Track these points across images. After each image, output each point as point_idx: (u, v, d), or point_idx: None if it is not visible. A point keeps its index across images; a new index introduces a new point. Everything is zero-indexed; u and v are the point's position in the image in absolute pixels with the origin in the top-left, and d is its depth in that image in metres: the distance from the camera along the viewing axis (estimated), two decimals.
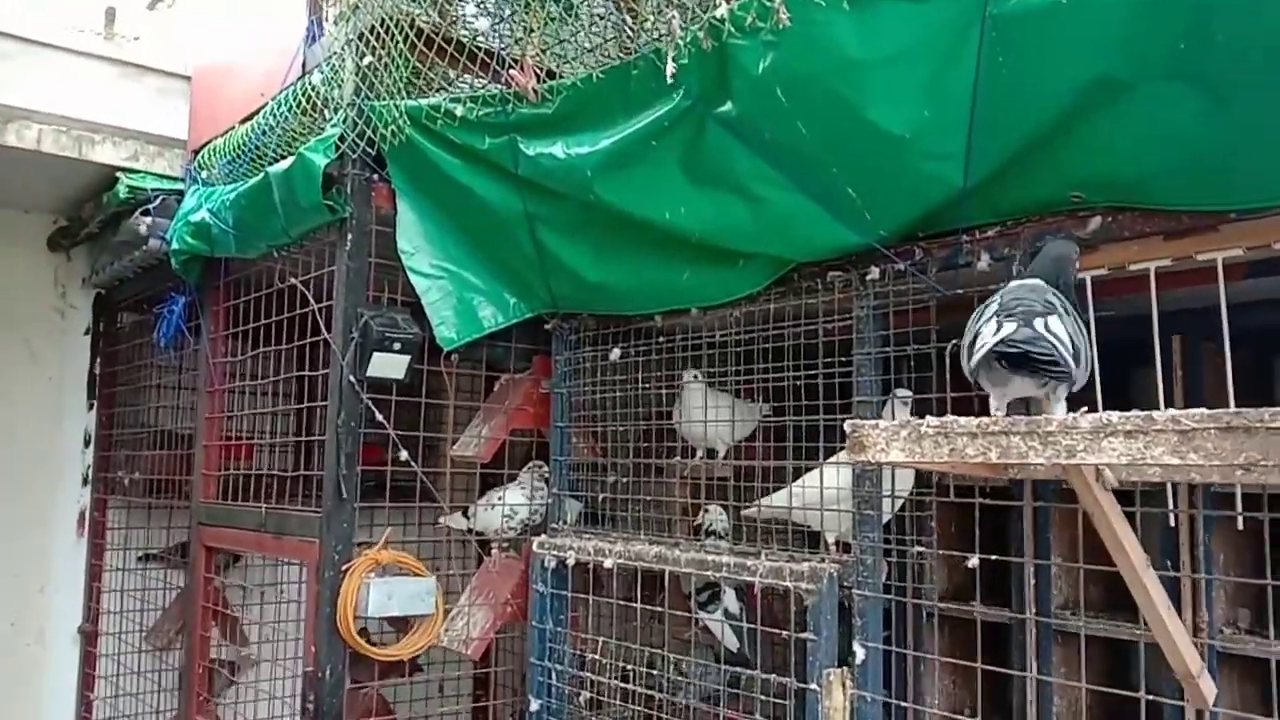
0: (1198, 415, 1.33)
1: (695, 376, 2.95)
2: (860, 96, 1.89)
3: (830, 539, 2.45)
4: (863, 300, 2.31)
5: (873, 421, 1.72)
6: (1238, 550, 2.70)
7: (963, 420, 1.60)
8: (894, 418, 2.31)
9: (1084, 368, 1.66)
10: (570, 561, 2.85)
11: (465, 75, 2.96)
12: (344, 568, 2.86)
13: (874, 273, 2.27)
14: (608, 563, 2.70)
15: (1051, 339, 1.59)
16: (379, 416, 2.92)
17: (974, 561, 2.05)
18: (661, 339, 2.84)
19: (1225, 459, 1.29)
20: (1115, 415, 1.42)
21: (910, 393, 2.42)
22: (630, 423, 2.98)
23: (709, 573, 2.49)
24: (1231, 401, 1.91)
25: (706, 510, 3.05)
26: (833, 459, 2.38)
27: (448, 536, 3.58)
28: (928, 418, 1.65)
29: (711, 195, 2.28)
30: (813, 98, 1.95)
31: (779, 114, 2.01)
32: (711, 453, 3.08)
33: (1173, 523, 2.37)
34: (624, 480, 3.02)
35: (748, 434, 3.10)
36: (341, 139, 2.92)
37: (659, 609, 2.70)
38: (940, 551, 2.13)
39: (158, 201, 3.92)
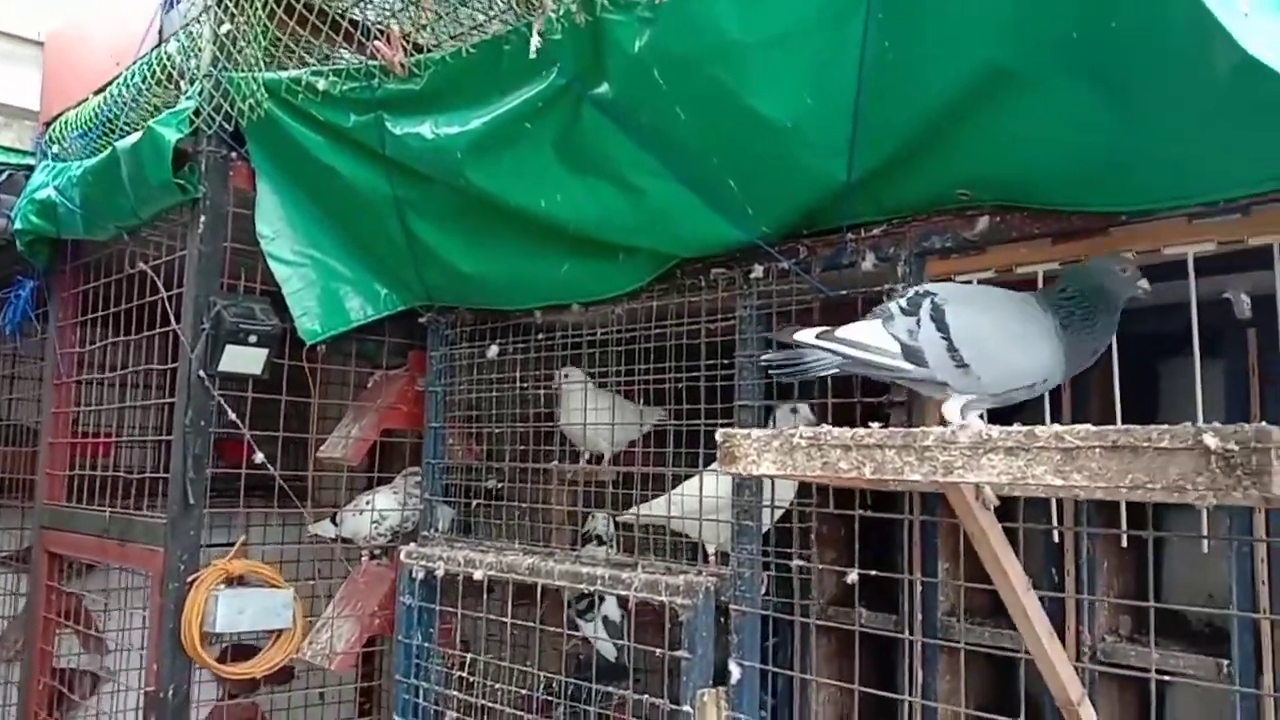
0: (1082, 432, 1.22)
1: (567, 375, 2.78)
2: (740, 81, 1.75)
3: (710, 549, 2.33)
4: (746, 300, 2.19)
5: (744, 431, 1.59)
6: (1120, 555, 2.67)
7: (836, 431, 1.48)
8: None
9: (939, 364, 1.59)
10: (439, 572, 2.67)
11: (336, 49, 2.75)
12: (190, 579, 2.63)
13: (757, 271, 2.15)
14: (478, 574, 2.53)
15: (821, 346, 1.61)
16: (232, 415, 2.69)
17: (853, 577, 1.94)
18: (541, 336, 2.68)
19: (1110, 480, 1.19)
20: (995, 430, 1.32)
21: (808, 408, 2.29)
22: (509, 424, 2.81)
23: (583, 585, 2.33)
24: (1118, 415, 1.84)
25: (593, 516, 2.90)
26: (713, 465, 2.26)
27: (317, 543, 3.37)
28: (800, 428, 1.53)
29: (588, 183, 2.13)
30: (691, 81, 1.81)
31: (657, 97, 1.87)
32: (598, 457, 2.94)
33: (1056, 538, 2.31)
34: (499, 486, 2.85)
35: (635, 436, 2.96)
36: (196, 113, 2.68)
37: (530, 624, 2.53)
38: (821, 566, 2.01)
39: (4, 177, 3.59)
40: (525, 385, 2.71)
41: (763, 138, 1.80)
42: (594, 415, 2.69)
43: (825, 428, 1.51)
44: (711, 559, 2.32)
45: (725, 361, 2.22)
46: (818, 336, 1.64)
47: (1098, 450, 1.21)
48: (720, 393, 2.22)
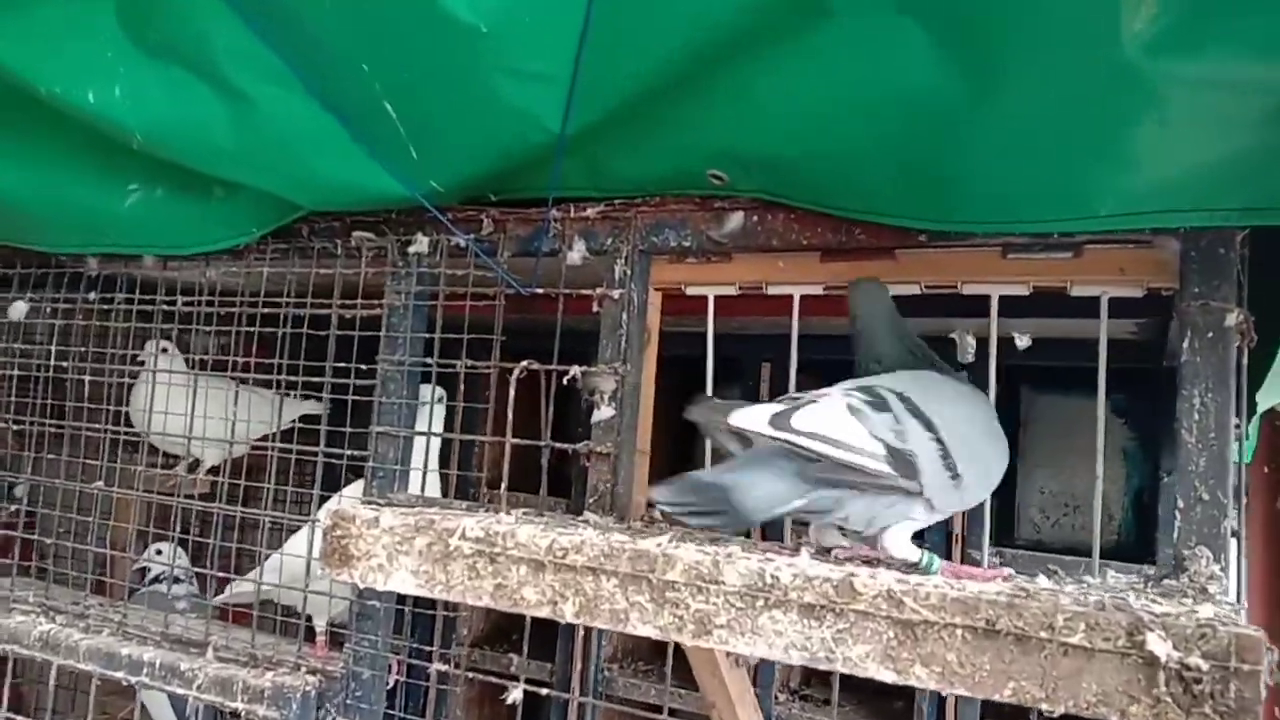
0: (933, 598, 0.73)
1: (165, 349, 2.01)
2: None
3: (319, 625, 1.67)
4: (401, 281, 1.54)
5: (367, 514, 0.96)
6: None
7: (523, 534, 0.89)
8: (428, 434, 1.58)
9: (934, 477, 1.03)
10: None
11: None
12: None
13: (420, 243, 1.51)
14: None
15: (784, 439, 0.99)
16: None
17: (516, 695, 1.38)
18: (95, 296, 1.85)
19: (981, 686, 0.71)
20: (785, 567, 0.80)
21: (444, 392, 1.71)
22: (38, 420, 1.93)
23: (121, 675, 1.58)
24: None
25: (159, 551, 2.11)
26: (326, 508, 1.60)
27: None
28: (464, 523, 0.93)
29: (168, 76, 1.36)
30: None
31: None
32: (194, 465, 2.19)
33: None
34: (19, 507, 1.98)
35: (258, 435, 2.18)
36: None
37: None
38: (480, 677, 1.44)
39: None
40: (65, 362, 1.86)
41: (443, 44, 1.15)
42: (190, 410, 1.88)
43: (503, 520, 0.92)
44: (320, 639, 1.66)
45: (365, 366, 1.56)
46: (771, 421, 1.00)
47: (960, 633, 0.72)
48: (352, 410, 1.56)
